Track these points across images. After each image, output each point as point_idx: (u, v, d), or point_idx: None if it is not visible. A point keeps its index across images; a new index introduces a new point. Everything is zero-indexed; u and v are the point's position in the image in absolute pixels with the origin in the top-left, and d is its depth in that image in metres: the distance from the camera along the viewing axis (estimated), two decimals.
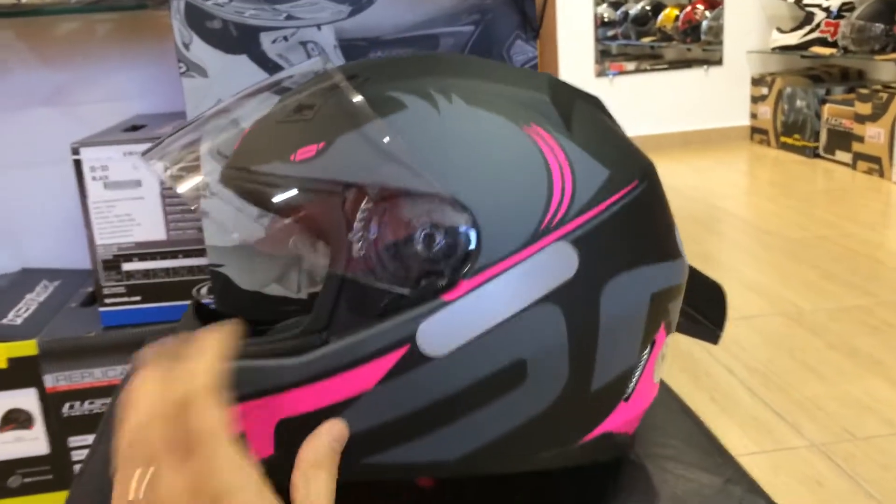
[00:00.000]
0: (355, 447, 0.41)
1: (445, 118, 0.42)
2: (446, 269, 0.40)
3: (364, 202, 0.41)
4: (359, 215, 0.41)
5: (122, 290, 1.10)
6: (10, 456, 1.17)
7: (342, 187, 0.41)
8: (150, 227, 1.08)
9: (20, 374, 1.13)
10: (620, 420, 0.45)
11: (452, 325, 0.40)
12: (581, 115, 0.45)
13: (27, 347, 1.12)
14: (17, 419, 1.16)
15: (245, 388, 0.42)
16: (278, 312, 0.56)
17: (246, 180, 0.45)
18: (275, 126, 0.46)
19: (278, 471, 0.42)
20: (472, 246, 0.40)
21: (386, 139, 0.41)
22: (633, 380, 0.45)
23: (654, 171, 0.47)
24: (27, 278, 1.35)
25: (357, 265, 0.41)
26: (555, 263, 0.41)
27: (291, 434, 0.41)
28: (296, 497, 0.38)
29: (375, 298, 0.40)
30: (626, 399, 0.45)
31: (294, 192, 0.43)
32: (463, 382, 0.40)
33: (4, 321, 1.18)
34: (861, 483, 1.34)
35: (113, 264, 1.09)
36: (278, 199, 0.44)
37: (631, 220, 0.43)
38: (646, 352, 0.45)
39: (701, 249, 2.55)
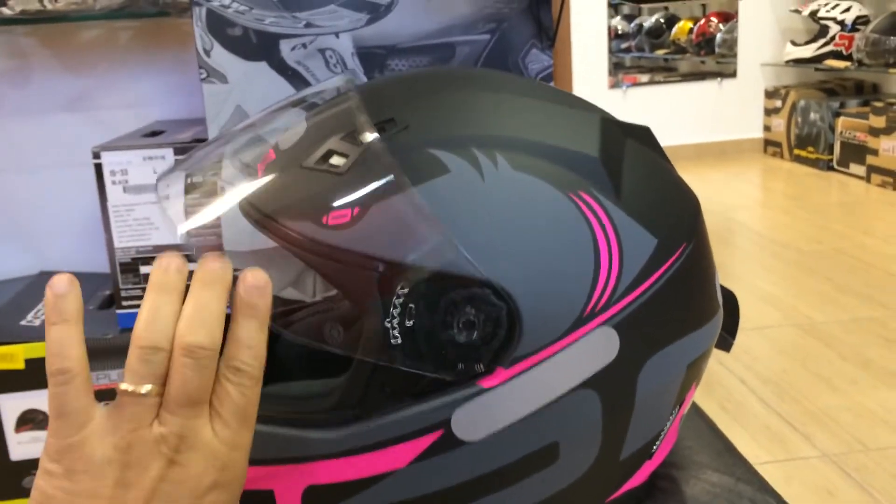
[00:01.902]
0: None
1: (490, 186, 0.39)
2: (485, 355, 0.38)
3: (400, 280, 0.38)
4: (395, 294, 0.38)
5: (139, 292, 1.12)
6: (27, 456, 1.18)
7: (377, 262, 0.38)
8: (168, 230, 1.09)
9: (37, 375, 1.14)
10: (642, 476, 0.45)
11: (488, 412, 0.39)
12: (631, 169, 0.42)
13: (45, 349, 1.13)
14: (33, 420, 1.17)
15: (276, 452, 0.41)
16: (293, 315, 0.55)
17: (273, 231, 0.41)
18: (303, 173, 0.42)
19: None
20: (512, 335, 0.38)
21: (427, 213, 0.38)
22: (660, 440, 0.44)
23: (699, 216, 0.45)
24: (45, 281, 1.36)
25: (392, 346, 0.38)
26: (596, 349, 0.39)
27: (319, 500, 0.41)
28: (233, 341, 0.36)
29: (410, 379, 0.39)
30: (651, 457, 0.45)
31: (327, 258, 0.39)
32: (495, 465, 0.40)
33: (23, 323, 1.20)
34: (873, 493, 1.34)
35: (131, 267, 1.10)
36: (309, 264, 0.41)
37: (674, 292, 0.42)
38: (675, 411, 0.45)
39: (715, 261, 2.55)
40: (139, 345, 0.37)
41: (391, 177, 0.39)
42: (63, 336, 0.38)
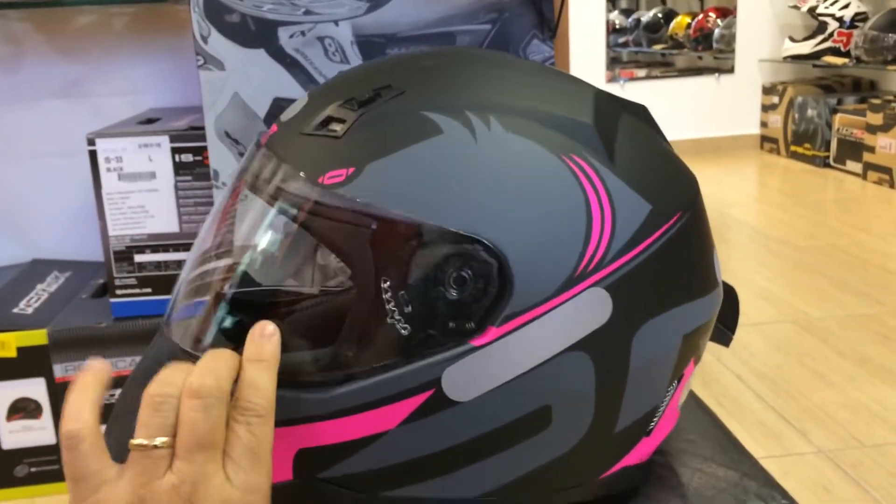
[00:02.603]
0: (375, 481, 0.41)
1: (482, 146, 0.40)
2: (476, 313, 0.38)
3: (392, 237, 0.39)
4: (387, 250, 0.39)
5: (133, 281, 1.11)
6: (18, 445, 1.18)
7: (370, 220, 0.39)
8: (164, 219, 1.08)
9: (29, 363, 1.14)
10: (639, 454, 0.45)
11: (479, 370, 0.39)
12: (626, 138, 0.42)
13: (37, 337, 1.13)
14: (25, 408, 1.16)
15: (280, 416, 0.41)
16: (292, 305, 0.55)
17: (271, 195, 0.43)
18: (303, 138, 0.43)
19: (295, 496, 0.42)
20: (504, 292, 0.38)
21: (419, 170, 0.39)
22: (658, 415, 0.44)
23: (697, 192, 0.45)
24: (38, 269, 1.35)
25: (383, 304, 0.39)
26: (587, 310, 0.39)
27: (311, 463, 0.41)
28: (240, 384, 0.38)
29: (401, 338, 0.39)
30: (648, 434, 0.44)
31: (321, 215, 0.40)
32: (486, 427, 0.39)
33: (15, 311, 1.19)
34: (868, 490, 1.33)
35: (125, 255, 1.09)
36: (305, 218, 0.42)
37: (669, 259, 0.41)
38: (673, 386, 0.44)
39: None
40: (149, 397, 0.37)
41: (385, 137, 0.40)
42: (77, 400, 0.38)
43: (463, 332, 0.39)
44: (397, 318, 0.39)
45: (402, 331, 0.39)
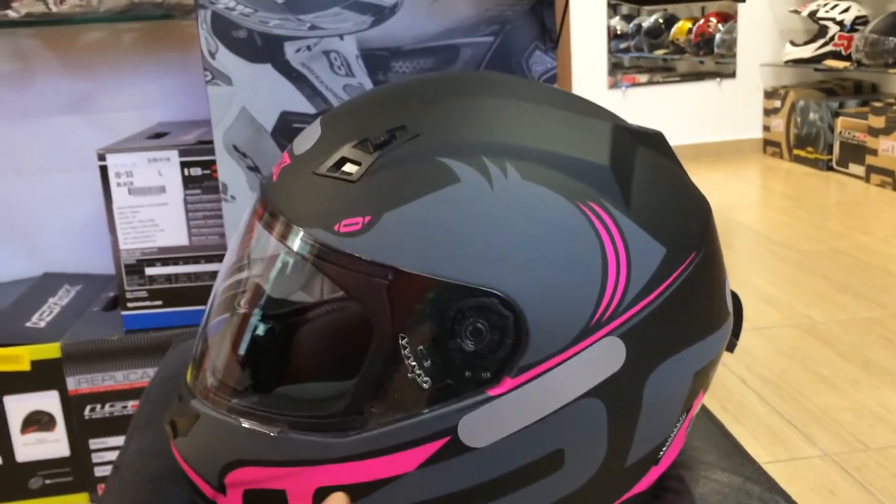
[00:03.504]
0: None
1: (499, 195, 0.40)
2: (492, 364, 0.39)
3: (409, 289, 0.39)
4: (404, 304, 0.39)
5: (144, 294, 1.12)
6: (32, 457, 1.19)
7: (388, 271, 0.39)
8: (173, 232, 1.10)
9: (43, 376, 1.15)
10: (648, 481, 0.45)
11: (495, 419, 0.39)
12: (642, 177, 0.42)
13: (50, 350, 1.14)
14: (39, 421, 1.18)
15: (288, 455, 0.42)
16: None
17: (285, 235, 0.43)
18: (316, 179, 0.43)
19: None
20: (519, 344, 0.39)
21: (436, 222, 0.39)
22: (667, 446, 0.45)
23: (710, 226, 0.45)
24: (49, 282, 1.37)
25: (402, 357, 0.39)
26: (601, 359, 0.40)
27: None
28: None
29: (420, 389, 0.40)
30: (657, 463, 0.45)
31: (337, 265, 0.40)
32: (500, 470, 0.40)
33: (28, 324, 1.20)
34: (874, 493, 1.34)
35: (136, 269, 1.11)
36: (319, 270, 0.42)
37: (682, 302, 0.42)
38: (682, 418, 0.45)
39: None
40: None
41: (401, 185, 0.40)
42: None
43: (479, 382, 0.39)
44: (417, 372, 0.39)
45: (422, 384, 0.39)
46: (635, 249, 0.40)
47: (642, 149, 0.44)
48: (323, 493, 0.42)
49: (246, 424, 0.44)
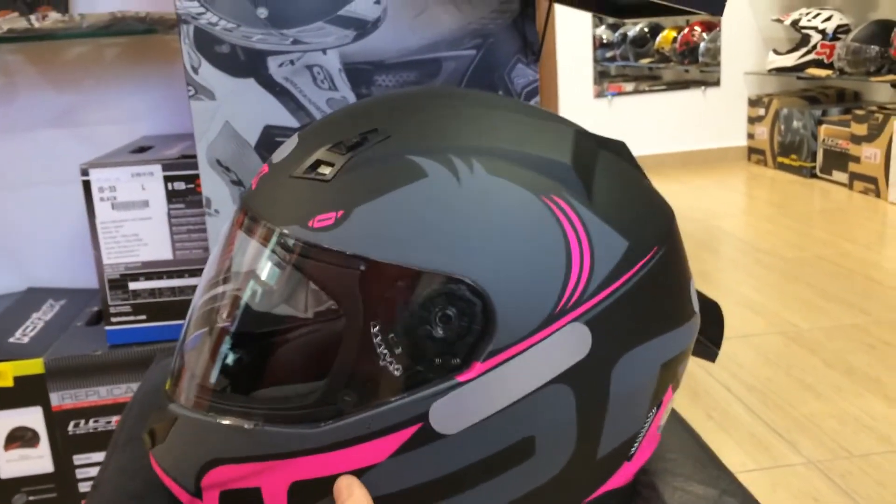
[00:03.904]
0: None
1: (465, 189, 0.41)
2: (461, 350, 0.40)
3: (380, 278, 0.41)
4: (376, 293, 0.41)
5: (128, 308, 1.12)
6: (16, 474, 1.18)
7: (359, 262, 0.41)
8: (157, 246, 1.10)
9: (26, 392, 1.14)
10: (622, 477, 0.46)
11: (465, 405, 0.40)
12: (603, 177, 0.44)
13: (33, 366, 1.13)
14: (22, 437, 1.17)
15: (263, 449, 0.43)
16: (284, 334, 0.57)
17: (263, 237, 0.45)
18: (292, 182, 0.45)
19: None
20: (488, 330, 0.40)
21: (405, 214, 0.41)
22: (638, 441, 0.45)
23: (673, 225, 0.46)
24: (33, 297, 1.36)
25: (371, 342, 0.41)
26: (568, 345, 0.41)
27: (304, 495, 0.43)
28: None
29: (391, 377, 0.41)
30: (629, 459, 0.46)
31: (311, 259, 0.42)
32: (472, 458, 0.41)
33: (11, 340, 1.20)
34: (858, 500, 1.35)
35: (120, 283, 1.10)
36: (295, 262, 0.44)
37: (646, 293, 0.43)
38: (652, 413, 0.46)
39: (699, 269, 2.57)
40: None
41: (372, 181, 0.42)
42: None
43: (449, 368, 0.40)
44: (388, 359, 0.41)
45: (393, 371, 0.41)
46: (598, 240, 0.42)
47: (605, 153, 0.46)
48: (298, 487, 0.43)
49: (222, 421, 0.45)
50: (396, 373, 0.41)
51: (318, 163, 0.44)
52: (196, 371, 0.50)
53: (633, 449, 0.45)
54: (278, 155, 0.48)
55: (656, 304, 0.44)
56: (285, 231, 0.43)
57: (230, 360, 0.50)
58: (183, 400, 0.49)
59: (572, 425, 0.42)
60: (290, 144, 0.48)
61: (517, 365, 0.40)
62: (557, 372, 0.41)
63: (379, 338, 0.41)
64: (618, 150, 0.47)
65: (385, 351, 0.41)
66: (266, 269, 0.47)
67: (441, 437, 0.40)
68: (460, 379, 0.40)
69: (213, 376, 0.49)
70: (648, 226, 0.45)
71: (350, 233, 0.41)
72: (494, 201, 0.41)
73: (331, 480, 0.42)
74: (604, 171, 0.44)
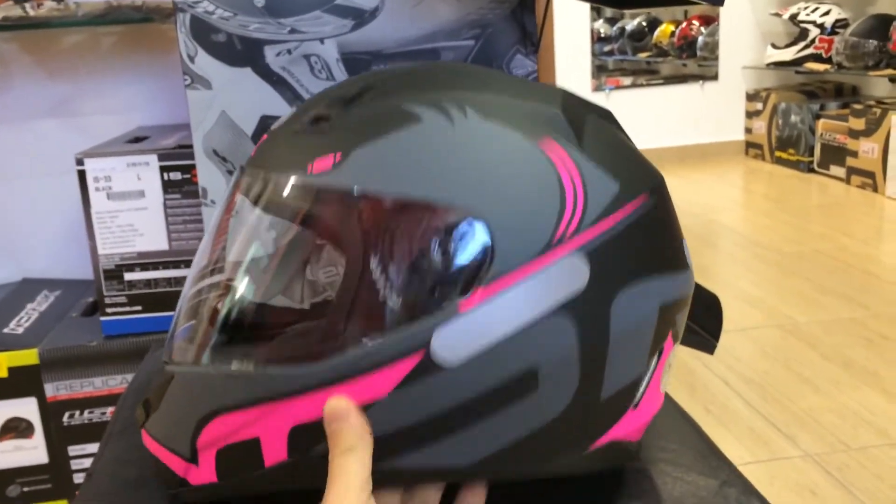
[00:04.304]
0: None
1: (459, 131, 0.43)
2: (460, 278, 0.41)
3: (380, 213, 0.42)
4: (374, 226, 0.42)
5: (123, 299, 1.11)
6: (10, 465, 1.18)
7: (358, 199, 0.42)
8: (153, 237, 1.09)
9: (21, 382, 1.14)
10: (629, 427, 0.46)
11: (466, 334, 0.40)
12: (592, 129, 0.45)
13: (28, 356, 1.13)
14: (17, 428, 1.16)
15: (259, 392, 0.43)
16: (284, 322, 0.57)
17: (263, 188, 0.46)
18: (291, 136, 0.47)
19: (291, 475, 0.43)
20: (486, 256, 0.41)
21: (401, 153, 0.42)
22: (642, 388, 0.45)
23: (663, 185, 0.47)
24: (28, 288, 1.36)
25: (372, 275, 0.41)
26: (567, 275, 0.41)
27: (305, 439, 0.42)
28: (329, 483, 0.40)
29: (390, 307, 0.41)
30: (635, 406, 0.45)
31: (311, 202, 0.44)
32: (475, 391, 0.41)
33: (6, 330, 1.19)
34: (855, 493, 1.35)
35: (115, 274, 1.10)
36: (295, 207, 0.45)
37: (640, 233, 0.44)
38: (654, 360, 0.46)
39: (697, 263, 2.56)
40: None
41: (368, 126, 0.44)
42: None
43: (450, 297, 0.41)
44: (389, 292, 0.41)
45: (394, 303, 0.41)
46: (590, 180, 0.43)
47: (593, 115, 0.47)
48: (299, 432, 0.42)
49: (221, 369, 0.45)
50: (397, 305, 0.41)
51: (316, 118, 0.46)
52: (194, 326, 0.50)
53: (638, 397, 0.45)
54: (277, 124, 0.50)
55: (650, 245, 0.45)
56: (285, 178, 0.44)
57: (230, 310, 0.50)
58: (179, 358, 0.49)
59: (574, 359, 0.42)
60: (288, 113, 0.50)
61: (517, 293, 0.41)
62: (557, 302, 0.41)
63: (379, 270, 0.41)
64: (605, 115, 0.49)
65: (386, 284, 0.41)
66: (266, 220, 0.48)
67: (443, 369, 0.40)
68: (461, 307, 0.40)
69: (213, 330, 0.49)
70: (638, 174, 0.46)
71: (348, 172, 0.42)
72: (488, 141, 0.43)
73: None
74: (592, 126, 0.46)
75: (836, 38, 3.81)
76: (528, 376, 0.41)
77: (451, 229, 0.41)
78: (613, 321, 0.42)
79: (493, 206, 0.41)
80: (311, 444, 0.42)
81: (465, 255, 0.41)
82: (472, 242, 0.41)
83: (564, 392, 0.42)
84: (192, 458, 0.46)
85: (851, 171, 3.58)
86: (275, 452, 0.43)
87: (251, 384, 0.43)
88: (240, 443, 0.44)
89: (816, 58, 3.96)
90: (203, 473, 0.46)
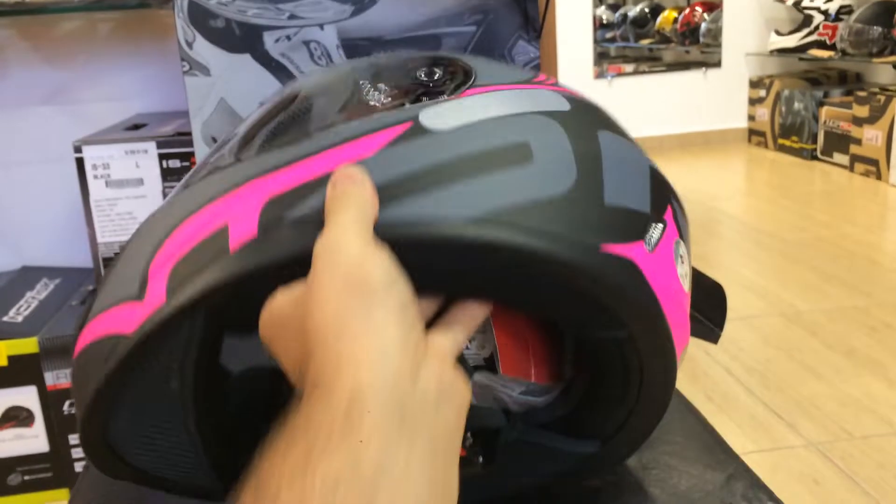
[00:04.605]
0: None
1: None
2: (448, 88, 0.43)
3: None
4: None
5: None
6: (11, 453, 1.17)
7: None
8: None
9: (21, 371, 1.13)
10: (638, 253, 0.40)
11: (457, 110, 0.40)
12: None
13: (28, 345, 1.12)
14: (17, 417, 1.16)
15: (242, 177, 0.39)
16: None
17: None
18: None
19: (256, 256, 0.37)
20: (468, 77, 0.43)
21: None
22: (651, 231, 0.42)
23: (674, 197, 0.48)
24: (27, 276, 1.35)
25: (363, 94, 0.43)
26: (551, 99, 0.43)
27: (278, 208, 0.37)
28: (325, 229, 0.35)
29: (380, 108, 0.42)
30: (651, 249, 0.41)
31: None
32: (466, 150, 0.39)
33: (5, 319, 1.19)
34: (858, 481, 1.35)
35: None
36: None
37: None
38: (659, 226, 0.42)
39: (700, 251, 2.56)
40: None
41: None
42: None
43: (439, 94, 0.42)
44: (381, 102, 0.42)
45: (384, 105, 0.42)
46: None
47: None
48: (274, 203, 0.37)
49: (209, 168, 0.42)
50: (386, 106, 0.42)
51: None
52: None
53: (649, 235, 0.42)
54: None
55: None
56: None
57: None
58: None
59: (568, 153, 0.41)
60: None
61: (507, 93, 0.43)
62: (546, 108, 0.43)
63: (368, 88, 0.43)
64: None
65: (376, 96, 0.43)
66: None
67: (433, 132, 0.39)
68: (451, 97, 0.41)
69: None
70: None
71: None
72: None
73: (311, 185, 0.37)
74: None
75: (841, 25, 3.78)
76: (522, 148, 0.40)
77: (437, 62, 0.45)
78: (603, 145, 0.42)
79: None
80: (286, 209, 0.37)
81: (453, 73, 0.44)
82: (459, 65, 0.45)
83: (561, 176, 0.40)
84: (140, 293, 0.39)
85: (855, 158, 3.56)
86: (242, 233, 0.37)
87: (229, 174, 0.40)
88: (199, 244, 0.38)
89: (820, 44, 3.93)
90: (150, 300, 0.38)
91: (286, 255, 0.36)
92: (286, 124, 0.44)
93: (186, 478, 0.44)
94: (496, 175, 0.39)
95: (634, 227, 0.41)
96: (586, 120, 0.43)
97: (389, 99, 0.43)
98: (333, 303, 0.32)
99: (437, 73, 0.43)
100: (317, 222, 0.36)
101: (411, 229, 0.36)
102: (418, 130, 0.39)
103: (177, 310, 0.37)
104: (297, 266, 0.35)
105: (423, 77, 0.43)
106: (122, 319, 0.39)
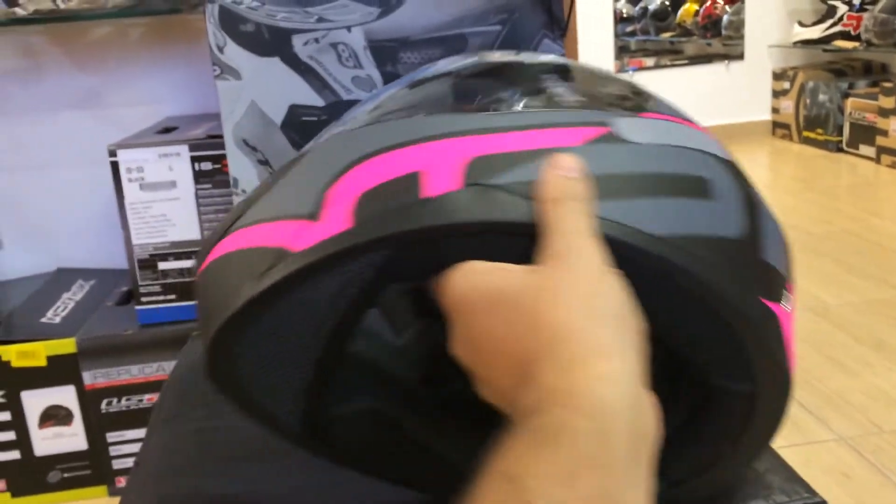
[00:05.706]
0: None
1: None
2: (627, 104, 0.43)
3: None
4: None
5: (157, 288, 1.13)
6: (50, 451, 1.20)
7: None
8: (185, 226, 1.10)
9: (59, 371, 1.16)
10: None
11: (648, 128, 0.41)
12: None
13: (66, 346, 1.15)
14: (56, 416, 1.19)
15: (440, 130, 0.39)
16: None
17: None
18: None
19: (464, 204, 0.36)
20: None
21: None
22: (786, 294, 0.43)
23: None
24: (63, 278, 1.38)
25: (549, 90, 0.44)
26: (713, 144, 0.45)
27: (485, 169, 0.37)
28: (550, 233, 0.35)
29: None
30: (789, 311, 0.43)
31: None
32: (657, 168, 0.39)
33: (43, 320, 1.21)
34: (889, 475, 1.34)
35: (149, 263, 1.11)
36: None
37: None
38: (791, 292, 0.44)
39: None
40: None
41: None
42: None
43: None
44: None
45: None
46: None
47: None
48: (478, 163, 0.37)
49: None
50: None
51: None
52: None
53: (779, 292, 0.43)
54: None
55: None
56: None
57: None
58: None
59: (740, 200, 0.42)
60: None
61: (679, 125, 0.44)
62: (714, 151, 0.44)
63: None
64: None
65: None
66: None
67: (629, 141, 0.40)
68: (639, 115, 0.42)
69: None
70: None
71: None
72: None
73: (518, 155, 0.37)
74: None
75: (865, 15, 3.74)
76: (703, 182, 0.40)
77: None
78: (756, 200, 0.43)
79: None
80: (491, 173, 0.37)
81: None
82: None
83: (737, 221, 0.40)
84: (313, 213, 0.37)
85: (881, 150, 3.52)
86: (443, 183, 0.36)
87: (415, 126, 0.39)
88: (390, 182, 0.37)
89: (844, 35, 3.89)
90: (330, 223, 0.37)
91: (500, 217, 0.35)
92: (475, 91, 0.43)
93: (280, 418, 0.42)
94: (682, 200, 0.39)
95: (777, 287, 0.42)
96: (744, 175, 0.44)
97: (576, 98, 0.43)
98: (584, 311, 0.32)
99: (618, 89, 0.44)
100: (525, 194, 0.36)
101: (605, 230, 0.36)
102: (614, 137, 0.39)
103: (371, 239, 0.36)
104: (496, 232, 0.35)
105: (605, 89, 0.43)
106: (287, 234, 0.37)
